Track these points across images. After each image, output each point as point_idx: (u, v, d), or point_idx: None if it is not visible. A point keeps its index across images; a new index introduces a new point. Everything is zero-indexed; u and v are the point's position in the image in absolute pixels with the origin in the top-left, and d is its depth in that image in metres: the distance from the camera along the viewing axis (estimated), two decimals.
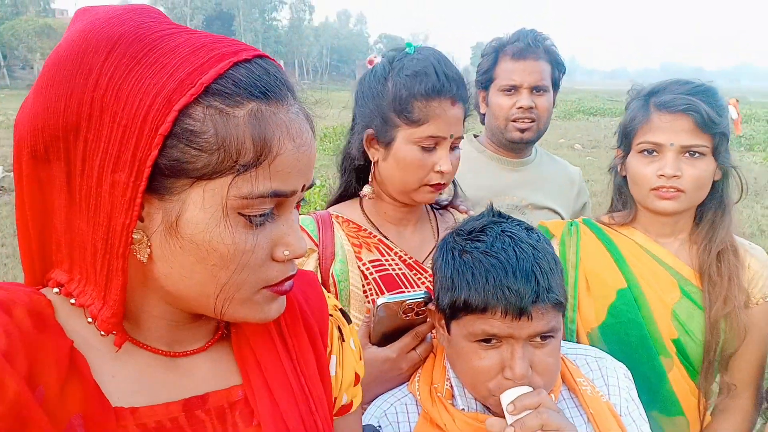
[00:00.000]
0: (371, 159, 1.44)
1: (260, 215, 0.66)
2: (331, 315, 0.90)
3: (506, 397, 1.01)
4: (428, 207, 1.59)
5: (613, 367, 1.23)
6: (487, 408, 1.12)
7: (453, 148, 1.38)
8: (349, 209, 1.52)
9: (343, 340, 0.91)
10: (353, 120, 1.49)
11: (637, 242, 1.50)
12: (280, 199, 0.67)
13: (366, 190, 1.49)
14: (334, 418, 0.87)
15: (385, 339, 1.24)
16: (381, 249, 1.44)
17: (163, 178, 0.62)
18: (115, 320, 0.68)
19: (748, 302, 1.46)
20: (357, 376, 0.92)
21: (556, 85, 2.08)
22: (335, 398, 0.88)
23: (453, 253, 1.08)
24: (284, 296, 0.74)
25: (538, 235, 1.09)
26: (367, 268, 1.41)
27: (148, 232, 0.65)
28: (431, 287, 1.25)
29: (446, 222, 1.57)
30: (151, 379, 0.72)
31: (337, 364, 0.88)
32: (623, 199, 1.56)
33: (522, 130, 2.03)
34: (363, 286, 1.40)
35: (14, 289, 0.68)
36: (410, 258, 1.45)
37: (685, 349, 1.44)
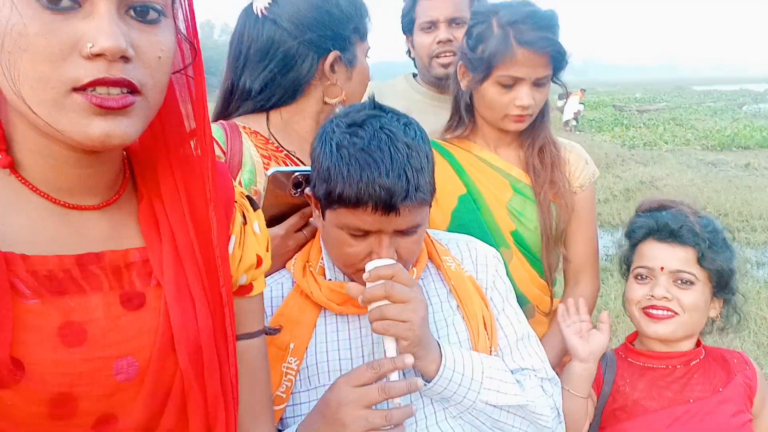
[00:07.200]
0: (330, 81, 1.42)
1: None
2: (237, 202, 0.90)
3: (368, 267, 1.08)
4: None
5: (483, 250, 1.34)
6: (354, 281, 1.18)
7: None
8: (255, 122, 1.46)
9: (245, 224, 0.90)
10: (278, 47, 1.39)
11: (474, 153, 1.66)
12: None
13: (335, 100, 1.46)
14: (235, 298, 0.87)
15: (275, 222, 1.28)
16: (288, 164, 1.43)
17: None
18: None
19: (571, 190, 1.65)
20: (259, 259, 0.91)
21: None
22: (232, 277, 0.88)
23: (331, 145, 1.10)
24: (117, 120, 0.65)
25: (414, 132, 1.13)
26: None
27: None
28: None
29: None
30: (44, 230, 0.71)
31: (236, 243, 0.88)
32: (467, 108, 1.64)
33: (445, 66, 2.02)
34: None
35: None
36: None
37: (522, 238, 1.62)
